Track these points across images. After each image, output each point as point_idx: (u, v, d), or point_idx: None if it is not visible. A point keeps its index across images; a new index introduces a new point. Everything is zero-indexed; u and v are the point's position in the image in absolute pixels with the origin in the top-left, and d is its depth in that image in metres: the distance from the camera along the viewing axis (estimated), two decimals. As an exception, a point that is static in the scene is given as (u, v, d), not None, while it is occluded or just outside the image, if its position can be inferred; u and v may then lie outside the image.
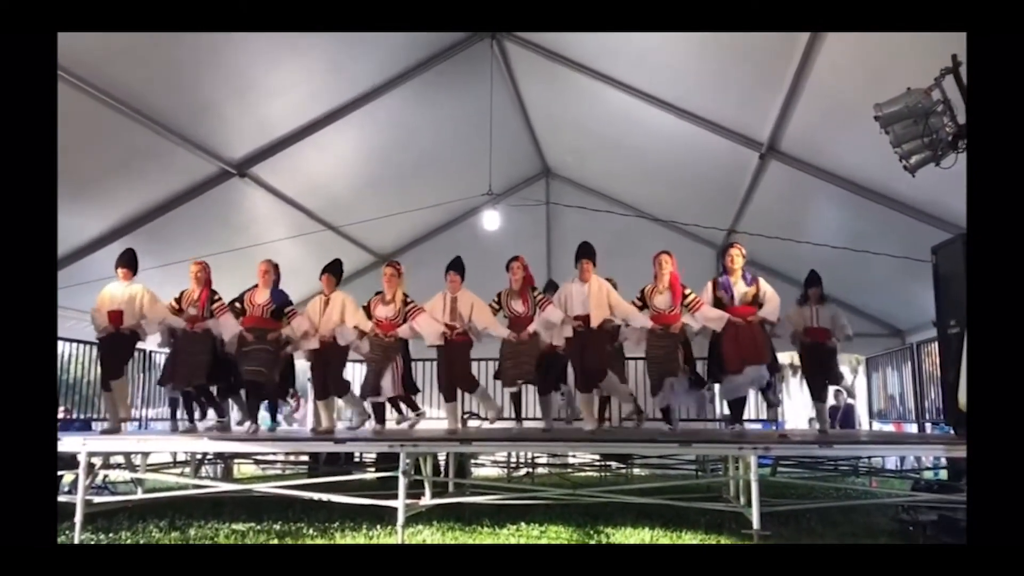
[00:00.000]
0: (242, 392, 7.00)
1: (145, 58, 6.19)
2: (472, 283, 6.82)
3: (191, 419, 6.97)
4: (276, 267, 6.82)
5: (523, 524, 5.60)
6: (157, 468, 7.55)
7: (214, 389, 6.97)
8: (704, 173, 9.06)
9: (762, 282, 6.44)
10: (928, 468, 8.33)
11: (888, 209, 7.23)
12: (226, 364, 6.78)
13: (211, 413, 7.12)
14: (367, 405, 6.80)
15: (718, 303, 6.35)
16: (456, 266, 6.78)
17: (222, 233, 8.43)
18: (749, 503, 4.90)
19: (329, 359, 6.68)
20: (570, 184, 11.53)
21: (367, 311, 6.63)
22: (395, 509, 5.03)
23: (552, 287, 7.08)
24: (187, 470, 7.62)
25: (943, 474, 7.75)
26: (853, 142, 6.49)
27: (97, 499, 5.89)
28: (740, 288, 6.31)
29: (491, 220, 9.61)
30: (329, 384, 6.70)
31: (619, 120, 8.78)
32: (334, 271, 6.87)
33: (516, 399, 6.91)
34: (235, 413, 7.31)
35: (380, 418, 6.77)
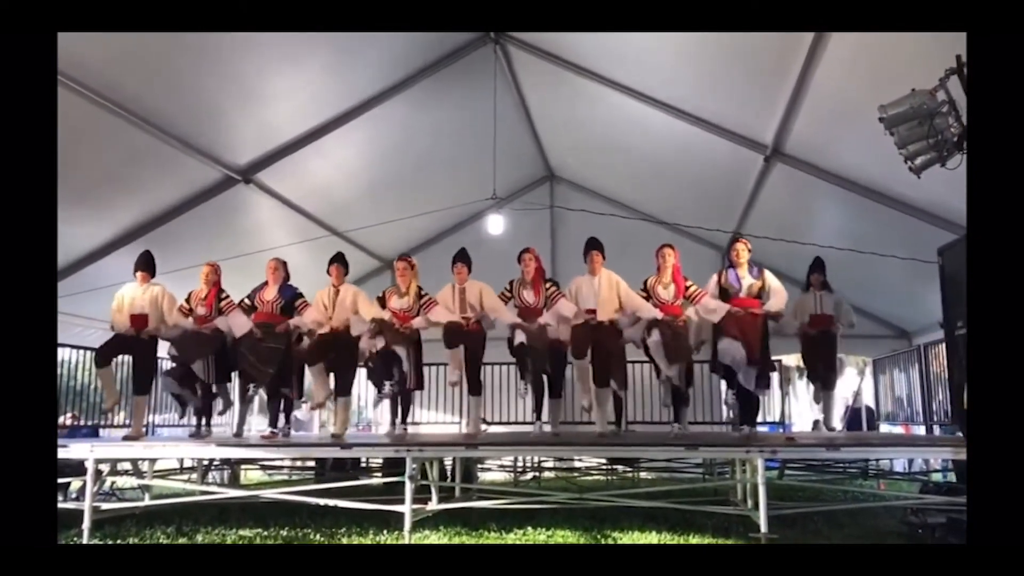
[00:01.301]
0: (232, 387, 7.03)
1: (150, 65, 6.23)
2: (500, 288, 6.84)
3: (208, 424, 6.98)
4: (285, 265, 6.85)
5: (530, 528, 5.59)
6: (164, 474, 7.56)
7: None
8: (709, 176, 9.06)
9: (768, 275, 6.40)
10: (936, 471, 8.29)
11: (894, 210, 7.22)
12: (233, 363, 6.77)
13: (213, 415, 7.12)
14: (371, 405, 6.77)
15: (724, 294, 6.33)
16: (462, 257, 6.82)
17: (227, 239, 8.45)
18: (756, 506, 4.88)
19: (338, 351, 6.62)
20: (574, 187, 11.56)
21: (381, 303, 6.59)
22: (402, 514, 5.02)
23: (553, 283, 7.06)
24: (194, 476, 7.62)
25: (952, 476, 7.71)
26: (858, 144, 6.48)
27: (105, 505, 5.90)
28: (746, 280, 6.30)
29: (495, 224, 9.63)
30: (337, 381, 6.68)
31: (623, 123, 8.80)
32: (343, 262, 6.86)
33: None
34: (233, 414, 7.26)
35: (393, 419, 6.70)
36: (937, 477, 8.23)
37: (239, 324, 6.59)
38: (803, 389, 14.35)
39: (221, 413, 7.16)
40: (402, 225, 9.45)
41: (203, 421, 6.95)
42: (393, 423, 6.77)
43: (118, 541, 5.36)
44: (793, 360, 10.78)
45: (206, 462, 7.85)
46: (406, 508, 5.01)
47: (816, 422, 7.59)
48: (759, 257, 6.68)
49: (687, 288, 6.35)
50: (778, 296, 6.31)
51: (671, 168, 9.57)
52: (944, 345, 7.12)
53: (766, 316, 6.25)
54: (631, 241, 9.25)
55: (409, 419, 6.95)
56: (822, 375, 7.07)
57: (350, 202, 9.77)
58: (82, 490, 5.79)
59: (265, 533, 5.58)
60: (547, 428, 7.00)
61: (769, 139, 7.43)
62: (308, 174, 8.81)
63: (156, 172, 7.46)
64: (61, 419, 8.61)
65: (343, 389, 6.73)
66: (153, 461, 6.93)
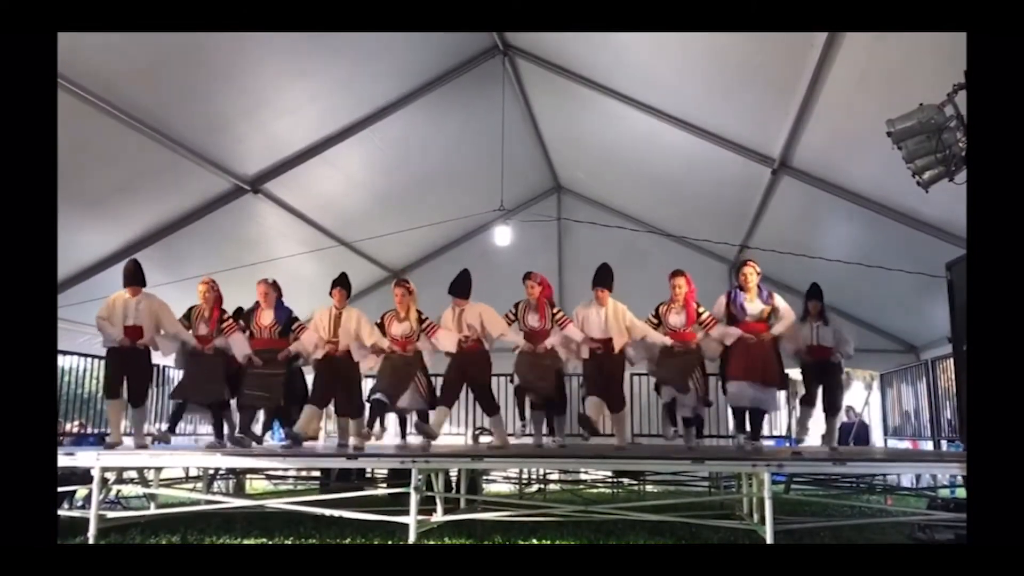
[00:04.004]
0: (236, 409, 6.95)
1: (161, 77, 6.29)
2: (484, 298, 6.79)
3: (219, 435, 6.92)
4: (275, 285, 6.76)
5: (535, 541, 5.56)
6: (170, 483, 7.56)
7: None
8: (716, 189, 9.07)
9: (778, 299, 6.38)
10: (944, 486, 8.23)
11: (902, 225, 7.21)
12: (239, 380, 6.75)
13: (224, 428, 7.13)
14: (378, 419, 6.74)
15: (731, 319, 6.32)
16: (457, 291, 6.65)
17: (236, 249, 8.50)
18: (763, 520, 4.86)
19: (341, 375, 6.57)
20: (581, 199, 11.57)
21: (380, 328, 6.57)
22: (407, 525, 5.01)
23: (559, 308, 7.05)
24: (199, 485, 7.63)
25: (960, 492, 7.65)
26: (866, 157, 6.48)
27: (110, 514, 5.90)
28: (756, 306, 6.27)
29: (503, 236, 9.65)
30: (346, 403, 6.66)
31: (630, 136, 8.82)
32: (345, 285, 6.77)
33: (533, 410, 6.85)
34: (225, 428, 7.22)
35: (403, 432, 6.72)
36: (945, 493, 8.17)
37: (239, 346, 6.56)
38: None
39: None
40: (409, 236, 9.47)
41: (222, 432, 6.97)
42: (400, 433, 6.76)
43: (123, 550, 5.36)
44: (797, 375, 10.76)
45: (211, 471, 7.85)
46: (411, 519, 5.00)
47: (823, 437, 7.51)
48: (766, 270, 6.66)
49: (699, 315, 6.37)
50: (785, 320, 6.28)
51: (678, 181, 9.57)
52: (952, 360, 7.08)
53: (775, 338, 6.25)
54: (638, 253, 9.30)
55: (413, 430, 6.94)
56: (825, 403, 6.89)
57: (358, 213, 9.80)
58: (88, 498, 5.80)
59: (270, 543, 5.57)
60: (547, 440, 6.99)
61: (777, 152, 7.43)
62: (316, 185, 8.85)
63: (165, 182, 7.50)
64: (68, 427, 8.64)
65: (355, 410, 6.70)
66: (159, 470, 6.93)
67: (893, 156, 4.51)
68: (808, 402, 6.89)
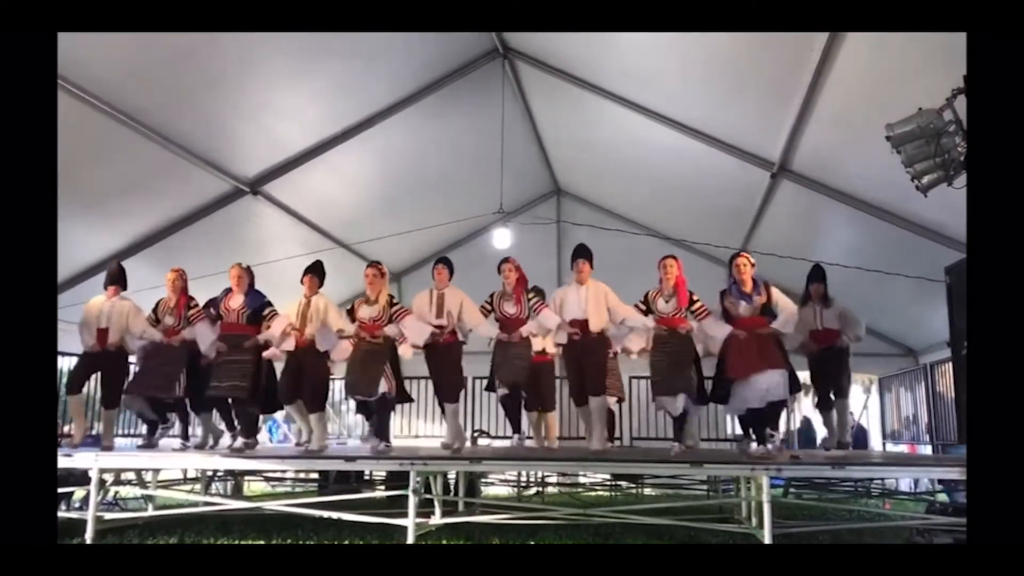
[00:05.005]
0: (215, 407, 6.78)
1: (162, 80, 6.32)
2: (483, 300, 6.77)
3: (151, 433, 6.80)
4: (248, 270, 6.51)
5: (533, 543, 5.56)
6: (168, 485, 7.55)
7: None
8: (715, 192, 9.08)
9: (775, 291, 6.04)
10: (942, 490, 8.22)
11: (901, 229, 7.22)
12: (205, 376, 6.45)
13: (179, 428, 7.00)
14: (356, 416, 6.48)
15: (727, 315, 6.01)
16: (444, 260, 6.56)
17: (235, 250, 8.46)
18: (761, 524, 4.86)
19: (304, 366, 6.26)
20: (581, 203, 11.59)
21: (350, 314, 6.25)
22: (405, 528, 5.01)
23: (538, 292, 6.72)
24: (197, 487, 7.62)
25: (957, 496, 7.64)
26: (865, 162, 6.49)
27: (108, 516, 5.89)
28: (751, 297, 5.93)
29: (502, 238, 9.65)
30: (304, 395, 6.33)
31: (630, 139, 8.83)
32: (317, 272, 6.49)
33: (508, 407, 6.64)
34: (199, 430, 7.07)
35: (385, 431, 6.23)
36: (943, 497, 8.15)
37: (204, 337, 6.40)
38: (809, 406, 14.26)
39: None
40: (409, 238, 9.48)
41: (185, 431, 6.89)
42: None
43: (121, 551, 5.35)
44: (802, 377, 10.74)
45: (210, 473, 7.84)
46: (409, 522, 4.99)
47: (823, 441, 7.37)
48: (765, 274, 6.62)
49: (692, 302, 6.03)
50: (786, 313, 5.95)
51: (677, 184, 9.58)
52: (950, 364, 7.08)
53: (775, 333, 5.92)
54: (637, 257, 9.25)
55: (411, 432, 6.87)
56: (834, 386, 6.68)
57: (357, 215, 9.81)
58: (86, 500, 5.79)
59: (268, 545, 5.56)
60: (529, 442, 6.91)
61: (776, 156, 7.44)
62: (315, 187, 8.86)
63: (167, 184, 7.53)
64: (67, 428, 8.62)
65: (316, 404, 6.39)
66: (157, 471, 6.92)
67: (892, 160, 4.52)
68: (827, 406, 6.68)
